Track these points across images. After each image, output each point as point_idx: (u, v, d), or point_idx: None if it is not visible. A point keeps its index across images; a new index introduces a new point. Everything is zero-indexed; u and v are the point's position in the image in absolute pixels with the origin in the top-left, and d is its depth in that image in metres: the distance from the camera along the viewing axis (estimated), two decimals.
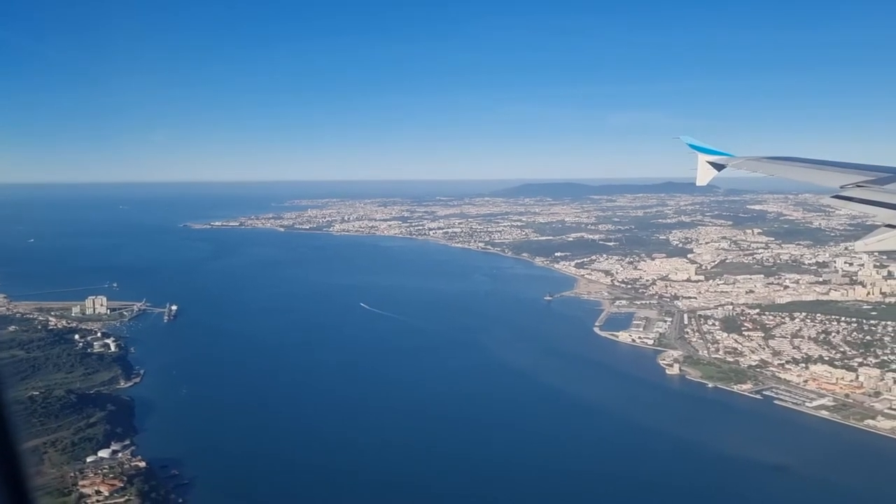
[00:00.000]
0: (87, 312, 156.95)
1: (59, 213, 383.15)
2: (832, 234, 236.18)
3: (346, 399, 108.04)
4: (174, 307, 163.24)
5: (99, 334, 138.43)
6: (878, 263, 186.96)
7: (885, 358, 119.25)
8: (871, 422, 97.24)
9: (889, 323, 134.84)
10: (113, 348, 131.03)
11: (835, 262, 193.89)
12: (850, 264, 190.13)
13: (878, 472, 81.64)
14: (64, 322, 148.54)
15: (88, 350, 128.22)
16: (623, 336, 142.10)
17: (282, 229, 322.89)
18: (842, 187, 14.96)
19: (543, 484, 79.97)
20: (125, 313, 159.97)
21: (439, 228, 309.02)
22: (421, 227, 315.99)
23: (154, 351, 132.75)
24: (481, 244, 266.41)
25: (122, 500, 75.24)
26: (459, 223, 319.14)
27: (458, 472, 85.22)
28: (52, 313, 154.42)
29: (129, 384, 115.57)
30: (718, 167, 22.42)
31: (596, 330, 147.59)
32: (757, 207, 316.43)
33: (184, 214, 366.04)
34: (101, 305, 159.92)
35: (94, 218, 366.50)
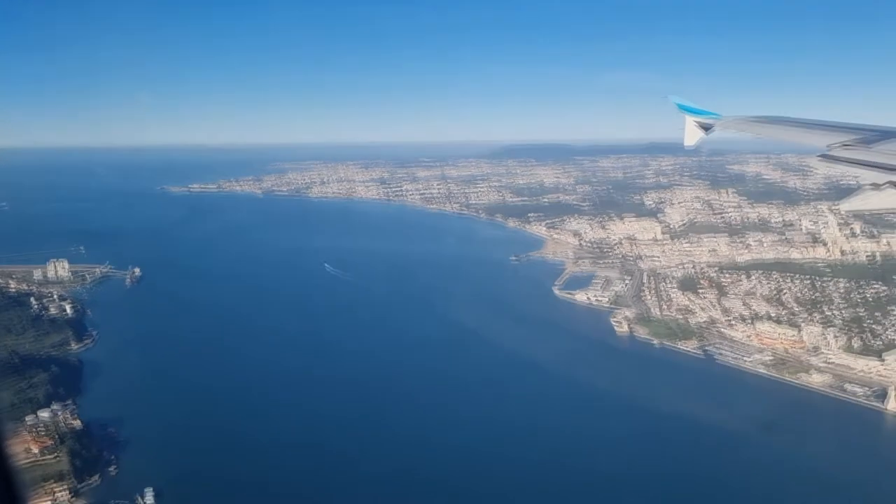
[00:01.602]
0: (48, 276, 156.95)
1: (37, 178, 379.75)
2: (805, 195, 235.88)
3: (291, 364, 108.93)
4: (137, 271, 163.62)
5: (56, 297, 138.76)
6: (842, 222, 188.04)
7: (830, 314, 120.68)
8: (803, 376, 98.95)
9: (841, 281, 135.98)
10: (69, 311, 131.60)
11: (800, 221, 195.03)
12: (815, 224, 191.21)
13: (794, 422, 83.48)
14: (24, 286, 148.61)
15: (43, 313, 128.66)
16: (580, 296, 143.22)
17: (260, 193, 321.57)
18: (828, 147, 14.97)
19: (462, 432, 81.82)
20: (87, 277, 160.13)
21: (417, 191, 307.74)
22: (399, 190, 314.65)
23: (111, 314, 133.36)
24: (457, 206, 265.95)
25: (51, 457, 76.49)
26: (438, 185, 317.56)
27: (393, 430, 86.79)
28: (14, 277, 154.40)
29: (80, 346, 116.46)
30: (706, 128, 22.16)
31: (555, 290, 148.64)
32: (736, 168, 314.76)
33: (163, 178, 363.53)
34: (63, 269, 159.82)
35: (72, 182, 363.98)
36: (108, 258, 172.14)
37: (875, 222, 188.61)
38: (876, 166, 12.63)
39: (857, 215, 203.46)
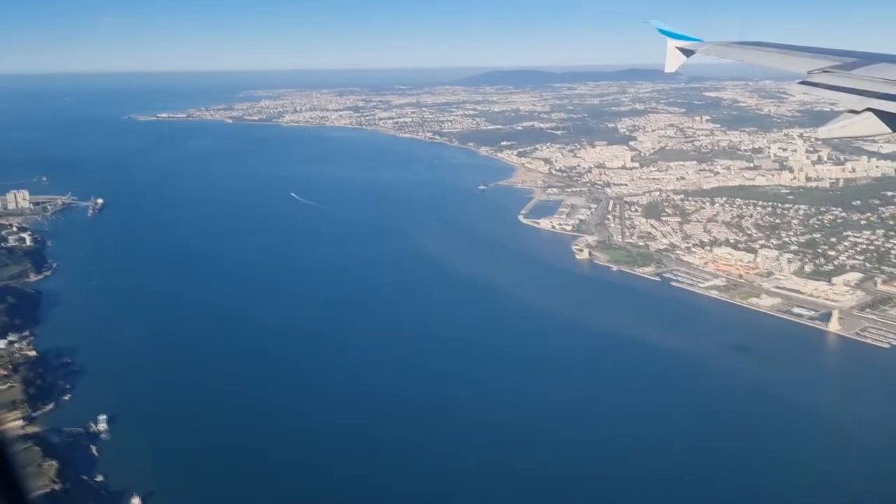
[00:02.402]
0: (8, 207, 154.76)
1: (1, 106, 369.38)
2: (779, 121, 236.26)
3: (248, 289, 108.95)
4: (100, 200, 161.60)
5: (15, 228, 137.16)
6: (810, 149, 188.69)
7: (787, 240, 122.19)
8: (754, 300, 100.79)
9: (801, 206, 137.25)
10: (28, 242, 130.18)
11: (769, 148, 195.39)
12: (784, 150, 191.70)
13: (735, 341, 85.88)
14: None
15: (1, 244, 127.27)
16: (544, 223, 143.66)
17: (230, 121, 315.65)
18: (809, 73, 14.77)
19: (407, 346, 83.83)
20: (48, 207, 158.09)
21: (390, 118, 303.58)
22: (372, 118, 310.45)
23: (71, 244, 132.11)
24: (429, 134, 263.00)
25: (4, 386, 77.00)
26: (412, 113, 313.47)
27: (339, 347, 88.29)
28: None
29: (39, 277, 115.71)
30: (688, 53, 21.64)
31: (520, 218, 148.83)
32: (713, 94, 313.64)
33: (131, 106, 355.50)
34: (24, 200, 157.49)
35: (38, 111, 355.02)
36: (70, 188, 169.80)
37: (843, 148, 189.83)
38: (855, 91, 12.44)
39: (827, 141, 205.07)
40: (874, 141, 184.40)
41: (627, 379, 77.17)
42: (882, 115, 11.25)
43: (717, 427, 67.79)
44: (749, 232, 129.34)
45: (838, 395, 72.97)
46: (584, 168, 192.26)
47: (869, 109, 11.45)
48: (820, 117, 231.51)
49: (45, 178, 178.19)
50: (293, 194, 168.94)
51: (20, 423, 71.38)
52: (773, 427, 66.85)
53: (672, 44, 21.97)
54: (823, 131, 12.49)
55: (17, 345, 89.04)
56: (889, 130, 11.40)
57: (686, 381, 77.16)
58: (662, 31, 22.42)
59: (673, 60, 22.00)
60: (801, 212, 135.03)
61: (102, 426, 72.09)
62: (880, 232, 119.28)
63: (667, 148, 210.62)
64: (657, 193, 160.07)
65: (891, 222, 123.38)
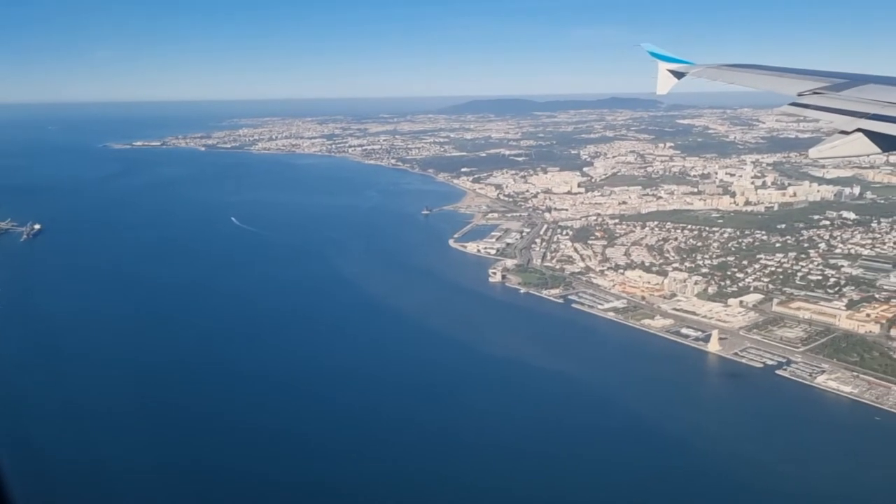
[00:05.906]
0: None
1: None
2: (741, 147, 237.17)
3: (160, 310, 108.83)
4: (37, 226, 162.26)
5: None
6: (757, 175, 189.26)
7: (701, 262, 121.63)
8: (647, 321, 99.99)
9: (727, 230, 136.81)
10: None
11: (717, 173, 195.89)
12: (731, 175, 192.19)
13: (608, 361, 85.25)
14: None
15: None
16: (471, 247, 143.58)
17: (203, 149, 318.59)
18: (799, 94, 14.89)
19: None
20: None
21: (360, 146, 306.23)
22: (343, 145, 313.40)
23: None
24: (393, 161, 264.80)
25: None
26: (385, 140, 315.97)
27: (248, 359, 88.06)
28: None
29: None
30: (679, 75, 22.00)
31: (451, 242, 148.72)
32: (686, 122, 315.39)
33: (109, 134, 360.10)
34: None
35: (17, 138, 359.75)
36: (16, 214, 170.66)
37: (790, 173, 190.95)
38: (845, 112, 12.46)
39: (777, 167, 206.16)
40: (822, 166, 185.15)
41: (478, 390, 76.92)
42: (872, 136, 11.14)
43: (539, 434, 67.52)
44: (667, 255, 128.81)
45: (683, 409, 72.30)
46: (531, 193, 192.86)
47: (859, 130, 11.32)
48: (783, 144, 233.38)
49: None
50: (233, 219, 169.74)
51: None
52: (600, 437, 66.31)
53: (663, 66, 22.22)
54: (814, 152, 12.30)
55: None
56: (879, 151, 11.11)
57: (538, 394, 76.37)
58: (654, 55, 22.70)
59: (664, 83, 22.29)
60: (726, 235, 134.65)
61: None
62: (792, 254, 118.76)
63: (619, 173, 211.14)
64: (594, 218, 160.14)
65: (806, 245, 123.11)
